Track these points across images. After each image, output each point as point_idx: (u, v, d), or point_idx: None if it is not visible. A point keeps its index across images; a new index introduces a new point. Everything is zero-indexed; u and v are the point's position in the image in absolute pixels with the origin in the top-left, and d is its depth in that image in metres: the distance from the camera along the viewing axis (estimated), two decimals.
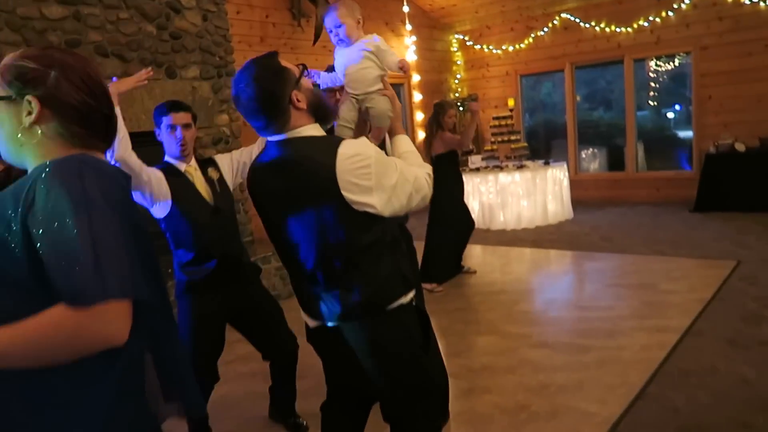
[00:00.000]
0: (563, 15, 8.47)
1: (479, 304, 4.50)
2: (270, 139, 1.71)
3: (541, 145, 9.60)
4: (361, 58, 2.02)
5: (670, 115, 9.19)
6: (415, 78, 8.85)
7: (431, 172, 1.79)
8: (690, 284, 4.43)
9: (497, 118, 7.91)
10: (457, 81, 9.68)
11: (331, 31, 2.04)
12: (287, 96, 1.64)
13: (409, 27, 8.54)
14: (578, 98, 9.02)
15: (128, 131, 2.35)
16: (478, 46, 9.44)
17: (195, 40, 5.03)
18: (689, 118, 8.09)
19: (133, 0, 4.60)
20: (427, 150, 4.82)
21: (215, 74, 5.18)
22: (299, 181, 1.63)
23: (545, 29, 8.68)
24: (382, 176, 1.61)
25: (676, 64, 8.45)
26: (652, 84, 8.68)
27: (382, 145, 2.02)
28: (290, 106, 1.65)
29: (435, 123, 4.87)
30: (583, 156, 9.30)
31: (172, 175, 2.47)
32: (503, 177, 7.21)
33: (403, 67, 2.02)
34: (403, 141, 1.91)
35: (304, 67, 1.73)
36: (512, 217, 7.21)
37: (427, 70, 9.08)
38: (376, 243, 1.69)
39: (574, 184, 8.00)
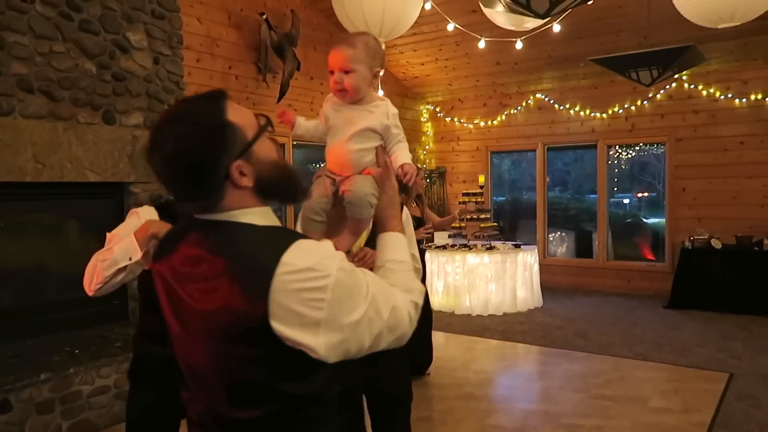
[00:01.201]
0: (538, 95, 8.30)
1: (446, 413, 3.84)
2: (193, 214, 1.12)
3: (506, 223, 9.24)
4: (361, 134, 1.43)
5: (626, 201, 9.05)
6: None
7: (420, 300, 1.17)
8: (684, 401, 3.91)
9: (467, 194, 7.49)
10: (425, 152, 9.32)
11: (332, 72, 1.41)
12: (223, 168, 1.04)
13: (380, 92, 8.19)
14: (548, 179, 8.75)
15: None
16: (449, 119, 9.17)
17: (142, 84, 4.45)
18: (645, 207, 7.87)
19: (73, 33, 4.02)
20: None
21: None
22: (215, 286, 1.04)
23: (519, 107, 8.48)
24: (341, 308, 1.00)
25: (636, 151, 8.33)
26: (611, 170, 8.47)
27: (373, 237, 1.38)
28: (227, 182, 1.05)
29: (401, 188, 4.33)
30: (551, 239, 8.96)
31: (169, 216, 1.97)
32: (471, 258, 6.69)
33: (405, 177, 1.44)
34: (393, 243, 1.28)
35: (268, 122, 1.13)
36: (479, 302, 6.65)
37: None
38: (316, 398, 1.07)
39: (541, 268, 7.56)
